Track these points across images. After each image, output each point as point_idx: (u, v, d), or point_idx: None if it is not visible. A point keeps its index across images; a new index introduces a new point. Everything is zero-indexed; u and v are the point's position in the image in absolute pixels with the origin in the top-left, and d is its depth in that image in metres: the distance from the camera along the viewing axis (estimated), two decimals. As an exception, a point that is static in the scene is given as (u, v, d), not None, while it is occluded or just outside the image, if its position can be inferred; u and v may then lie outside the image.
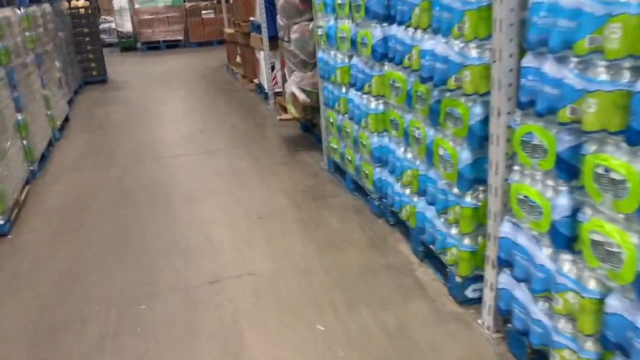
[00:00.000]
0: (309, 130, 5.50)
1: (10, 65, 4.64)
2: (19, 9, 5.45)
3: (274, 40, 6.74)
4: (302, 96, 4.70)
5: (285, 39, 4.94)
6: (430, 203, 2.75)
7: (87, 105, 7.86)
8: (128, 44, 13.99)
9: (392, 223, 3.42)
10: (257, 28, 7.06)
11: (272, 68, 6.83)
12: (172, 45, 13.86)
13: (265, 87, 7.20)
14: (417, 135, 2.80)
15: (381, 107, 3.27)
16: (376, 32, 3.06)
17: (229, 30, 9.39)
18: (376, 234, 3.36)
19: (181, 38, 13.87)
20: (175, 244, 3.43)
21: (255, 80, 7.87)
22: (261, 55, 7.14)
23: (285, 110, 6.34)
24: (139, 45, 14.04)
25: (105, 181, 4.68)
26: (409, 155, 3.01)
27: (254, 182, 4.39)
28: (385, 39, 3.01)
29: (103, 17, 15.62)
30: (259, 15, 6.64)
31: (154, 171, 4.84)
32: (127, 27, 13.96)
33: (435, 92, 2.56)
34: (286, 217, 3.71)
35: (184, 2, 14.02)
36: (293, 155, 4.99)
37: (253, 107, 7.09)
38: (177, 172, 4.79)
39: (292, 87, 4.81)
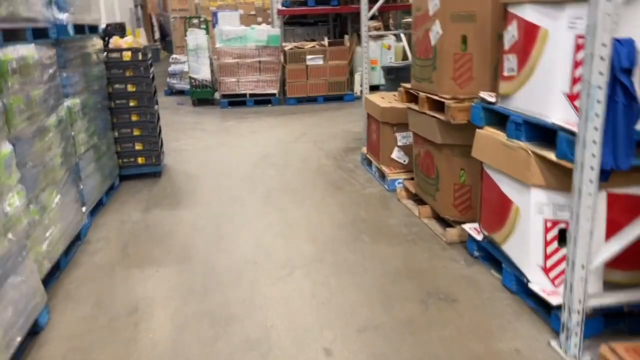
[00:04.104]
0: None
1: None
2: None
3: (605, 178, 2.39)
4: None
5: None
6: None
7: (101, 266, 3.70)
8: (203, 96, 10.08)
9: None
10: (525, 129, 2.73)
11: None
12: (262, 100, 9.86)
13: (535, 285, 2.80)
14: None
15: None
16: None
17: (378, 102, 5.12)
18: None
19: (275, 92, 9.85)
20: None
21: (474, 232, 3.49)
22: (532, 202, 2.76)
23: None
24: (217, 95, 10.14)
25: None
26: None
27: None
28: None
29: (174, 56, 11.94)
30: (581, 106, 2.30)
31: None
32: (204, 73, 10.02)
33: None
34: None
35: (282, 43, 10.04)
36: None
37: (499, 340, 2.69)
38: None
39: None
